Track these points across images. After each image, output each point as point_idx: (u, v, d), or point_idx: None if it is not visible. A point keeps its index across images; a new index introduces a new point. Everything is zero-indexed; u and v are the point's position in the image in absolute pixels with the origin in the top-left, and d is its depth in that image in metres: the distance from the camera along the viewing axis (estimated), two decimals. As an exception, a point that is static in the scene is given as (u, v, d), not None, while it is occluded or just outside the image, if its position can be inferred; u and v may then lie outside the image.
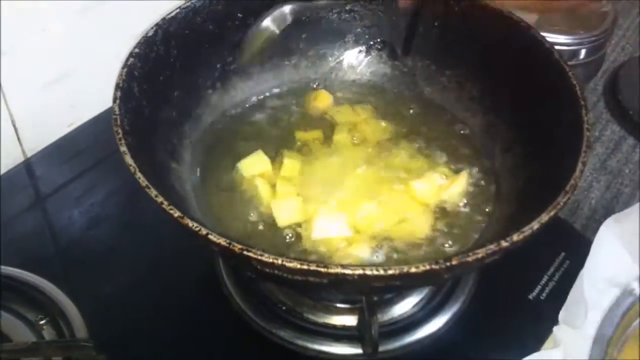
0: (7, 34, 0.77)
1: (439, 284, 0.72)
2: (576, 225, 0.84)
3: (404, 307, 0.71)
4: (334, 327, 0.70)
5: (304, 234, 0.67)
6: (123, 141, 0.58)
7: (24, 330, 0.67)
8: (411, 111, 0.80)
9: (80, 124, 0.92)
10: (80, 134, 0.92)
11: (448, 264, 0.50)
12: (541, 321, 0.70)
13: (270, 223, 0.68)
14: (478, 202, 0.70)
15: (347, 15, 0.81)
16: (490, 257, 0.51)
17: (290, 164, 0.72)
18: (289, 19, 0.75)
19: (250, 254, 0.50)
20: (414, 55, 0.81)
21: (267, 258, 0.50)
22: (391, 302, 0.71)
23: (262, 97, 0.81)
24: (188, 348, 0.69)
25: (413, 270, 0.50)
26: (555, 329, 0.69)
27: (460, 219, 0.69)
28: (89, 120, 0.93)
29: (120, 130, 0.59)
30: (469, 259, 0.50)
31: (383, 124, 0.78)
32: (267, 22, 0.74)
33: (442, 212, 0.70)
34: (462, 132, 0.77)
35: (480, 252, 0.51)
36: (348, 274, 0.49)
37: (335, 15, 0.81)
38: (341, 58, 0.83)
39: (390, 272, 0.49)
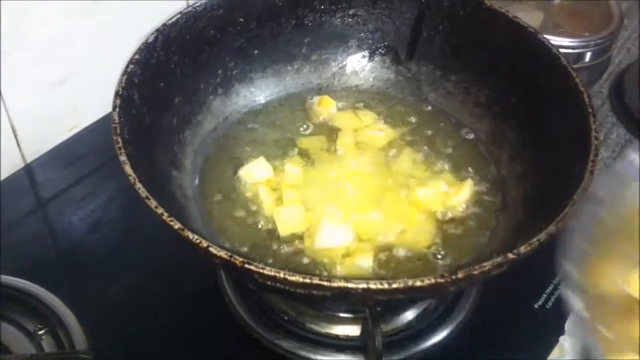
0: (8, 36, 0.76)
1: (444, 297, 0.71)
2: (582, 231, 0.83)
3: (408, 317, 0.70)
4: (337, 337, 0.69)
5: (307, 243, 0.66)
6: (123, 150, 0.57)
7: (23, 341, 0.67)
8: (415, 117, 0.79)
9: (80, 129, 0.91)
10: (80, 139, 0.91)
11: (454, 277, 0.49)
12: (547, 331, 0.69)
13: (272, 231, 0.68)
14: (484, 210, 0.69)
15: (350, 20, 0.80)
16: (497, 269, 0.51)
17: (293, 171, 0.71)
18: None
19: (252, 267, 0.50)
20: (418, 60, 0.80)
21: (268, 271, 0.49)
22: (395, 312, 0.70)
23: (264, 102, 0.80)
24: (189, 358, 0.68)
25: (418, 284, 0.49)
26: (561, 338, 0.68)
27: (465, 227, 0.68)
28: (90, 124, 0.92)
29: (119, 139, 0.58)
30: (475, 272, 0.50)
31: (387, 130, 0.77)
32: None
33: (447, 220, 0.69)
34: (467, 138, 0.76)
35: (487, 265, 0.50)
36: (352, 288, 0.49)
37: (339, 19, 0.80)
38: (344, 63, 0.83)
39: (394, 285, 0.49)
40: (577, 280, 0.50)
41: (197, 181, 0.71)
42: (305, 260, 0.65)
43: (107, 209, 0.83)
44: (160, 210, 0.53)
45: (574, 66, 0.66)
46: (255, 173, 0.72)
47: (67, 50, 0.83)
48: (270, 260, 0.64)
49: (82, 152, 0.89)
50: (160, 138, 0.68)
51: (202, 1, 0.72)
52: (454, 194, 0.70)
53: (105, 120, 0.90)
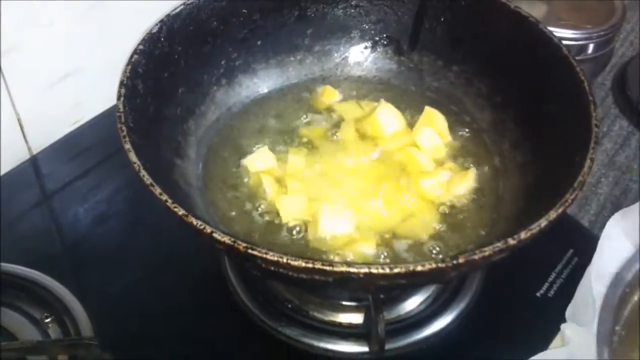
0: (13, 31, 0.76)
1: (446, 282, 0.71)
2: (584, 222, 0.84)
3: (411, 304, 0.71)
4: (340, 325, 0.70)
5: (309, 231, 0.67)
6: (127, 139, 0.58)
7: (29, 329, 0.67)
8: (417, 107, 0.79)
9: (86, 121, 0.92)
10: (86, 132, 0.91)
11: (455, 262, 0.49)
12: (549, 319, 0.69)
13: (275, 219, 0.68)
14: (485, 198, 0.70)
15: (352, 11, 0.80)
16: (498, 255, 0.51)
17: (295, 161, 0.72)
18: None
19: (255, 252, 0.50)
20: (420, 51, 0.80)
21: (272, 256, 0.50)
22: (398, 299, 0.71)
23: (267, 93, 0.81)
24: (194, 346, 0.68)
25: (419, 268, 0.49)
26: (563, 326, 0.68)
27: (467, 216, 0.68)
28: (95, 117, 0.92)
29: (124, 128, 0.59)
30: (476, 257, 0.50)
31: (389, 120, 0.77)
32: None
33: (448, 209, 0.69)
34: (469, 128, 0.76)
35: (487, 250, 0.50)
36: (354, 273, 0.49)
37: (341, 10, 0.80)
38: (347, 54, 0.83)
39: (396, 270, 0.49)
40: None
41: (200, 170, 0.71)
42: (308, 249, 0.65)
43: (112, 201, 0.83)
44: (164, 197, 0.54)
45: (577, 58, 0.66)
46: (258, 162, 0.72)
47: (71, 45, 0.84)
48: (273, 248, 0.65)
49: (87, 145, 0.89)
50: (164, 128, 0.68)
51: (205, -8, 0.73)
52: (456, 184, 0.70)
53: (109, 113, 0.90)
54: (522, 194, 0.67)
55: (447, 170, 0.72)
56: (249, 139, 0.76)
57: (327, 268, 0.49)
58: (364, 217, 0.67)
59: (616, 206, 0.86)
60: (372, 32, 0.82)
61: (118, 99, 0.61)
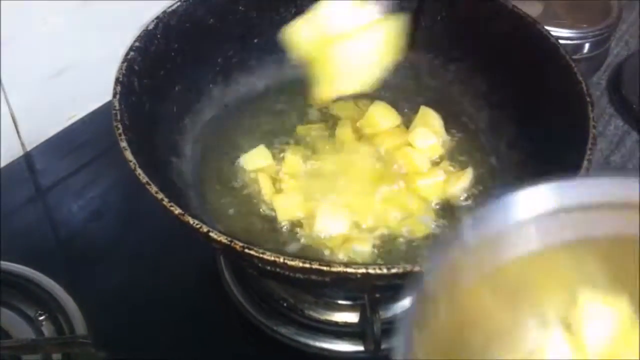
0: (7, 26, 0.76)
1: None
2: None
3: (406, 303, 0.71)
4: (336, 324, 0.69)
5: (306, 230, 0.67)
6: (123, 137, 0.58)
7: (23, 326, 0.67)
8: (414, 106, 0.79)
9: (80, 117, 0.91)
10: (80, 128, 0.90)
11: (452, 263, 0.49)
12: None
13: (272, 218, 0.68)
14: (482, 199, 0.70)
15: (350, 9, 0.80)
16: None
17: (292, 159, 0.72)
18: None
19: (252, 252, 0.50)
20: (418, 49, 0.80)
21: (268, 256, 0.50)
22: (393, 298, 0.71)
23: (264, 91, 0.80)
24: (189, 344, 0.68)
25: (417, 269, 0.49)
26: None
27: (463, 217, 0.68)
28: (89, 113, 0.92)
29: (120, 126, 0.59)
30: (473, 258, 0.50)
31: (386, 119, 0.77)
32: None
33: (445, 209, 0.69)
34: (466, 127, 0.76)
35: (485, 252, 0.50)
36: (351, 273, 0.49)
37: (339, 8, 0.80)
38: (344, 52, 0.82)
39: (393, 271, 0.49)
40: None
41: (197, 169, 0.71)
42: (304, 247, 0.65)
43: (107, 198, 0.83)
44: (160, 196, 0.53)
45: (573, 57, 0.66)
46: (254, 161, 0.72)
47: (66, 40, 0.83)
48: (269, 247, 0.65)
49: (81, 141, 0.89)
50: (160, 125, 0.68)
51: (202, -11, 0.72)
52: (453, 184, 0.70)
53: (104, 110, 0.89)
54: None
55: (444, 170, 0.71)
56: (245, 137, 0.75)
57: (324, 268, 0.49)
58: (360, 217, 0.67)
59: (611, 206, 0.86)
60: (369, 30, 0.82)
61: (114, 96, 0.61)
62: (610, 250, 0.40)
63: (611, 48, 1.07)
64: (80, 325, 0.67)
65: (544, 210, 0.40)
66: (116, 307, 0.71)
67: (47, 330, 0.67)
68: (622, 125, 0.97)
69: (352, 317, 0.69)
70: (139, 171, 0.55)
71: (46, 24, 0.80)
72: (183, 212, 0.52)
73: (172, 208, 0.53)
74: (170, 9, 0.70)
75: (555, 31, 0.91)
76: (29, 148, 0.87)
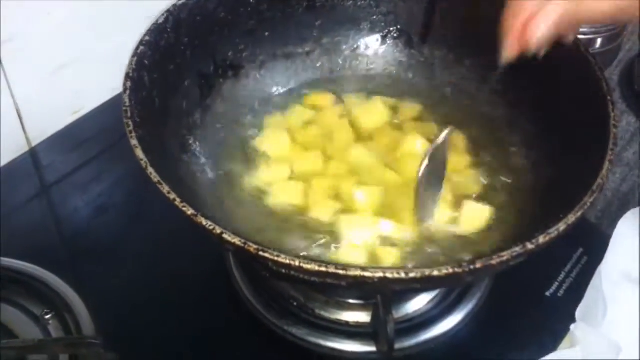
0: (11, 20, 0.75)
1: (460, 286, 0.70)
2: (590, 218, 0.83)
3: (419, 303, 0.70)
4: (347, 324, 0.68)
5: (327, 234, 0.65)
6: (134, 134, 0.56)
7: (29, 325, 0.66)
8: (429, 102, 0.78)
9: (85, 112, 0.90)
10: (85, 122, 0.90)
11: (472, 267, 0.48)
12: (558, 319, 0.69)
13: (285, 218, 0.67)
14: (498, 201, 0.68)
15: (362, 2, 0.79)
16: (515, 259, 0.50)
17: (305, 156, 0.71)
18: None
19: (267, 255, 0.49)
20: (432, 44, 0.79)
21: (283, 259, 0.49)
22: (405, 298, 0.70)
23: (274, 85, 0.79)
24: (198, 345, 0.67)
25: (435, 273, 0.48)
26: (572, 327, 0.67)
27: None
28: (95, 108, 0.91)
29: (130, 123, 0.57)
30: (493, 262, 0.49)
31: (399, 115, 0.76)
32: None
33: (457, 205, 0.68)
34: (482, 125, 0.75)
35: (505, 255, 0.49)
36: (368, 277, 0.48)
37: (351, 1, 0.79)
38: (356, 46, 0.81)
39: (411, 275, 0.48)
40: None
41: (207, 165, 0.70)
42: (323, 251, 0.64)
43: (113, 193, 0.82)
44: (172, 196, 0.52)
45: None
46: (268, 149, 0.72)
47: (70, 34, 0.83)
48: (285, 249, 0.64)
49: (86, 137, 0.88)
50: (170, 121, 0.67)
51: (212, -18, 0.71)
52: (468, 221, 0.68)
53: (109, 104, 0.89)
54: (535, 194, 0.66)
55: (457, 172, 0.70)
56: (256, 132, 0.74)
57: (341, 272, 0.48)
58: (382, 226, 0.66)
59: (623, 203, 0.85)
60: (383, 24, 0.80)
61: (124, 92, 0.60)
62: None
63: (623, 43, 1.06)
64: (87, 323, 0.66)
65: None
66: (123, 306, 0.70)
67: (54, 328, 0.66)
68: (635, 121, 0.96)
69: (364, 317, 0.68)
70: (150, 170, 0.54)
71: (50, 18, 0.79)
72: (196, 213, 0.51)
73: (184, 209, 0.52)
74: (180, 2, 0.68)
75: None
76: (34, 144, 0.87)
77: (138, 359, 0.66)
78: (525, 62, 0.70)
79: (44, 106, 0.85)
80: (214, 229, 0.50)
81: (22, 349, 0.62)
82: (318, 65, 0.81)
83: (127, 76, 0.61)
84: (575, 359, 0.65)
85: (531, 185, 0.67)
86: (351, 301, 0.69)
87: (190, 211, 0.51)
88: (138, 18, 0.67)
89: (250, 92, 0.77)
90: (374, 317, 0.67)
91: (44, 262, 0.71)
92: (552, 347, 0.67)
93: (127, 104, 0.59)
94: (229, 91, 0.76)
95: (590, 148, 0.58)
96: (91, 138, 0.87)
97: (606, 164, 0.55)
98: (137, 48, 0.63)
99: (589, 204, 0.53)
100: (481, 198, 0.69)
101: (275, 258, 0.49)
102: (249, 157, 0.72)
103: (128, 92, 0.60)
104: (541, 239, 0.50)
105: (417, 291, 0.67)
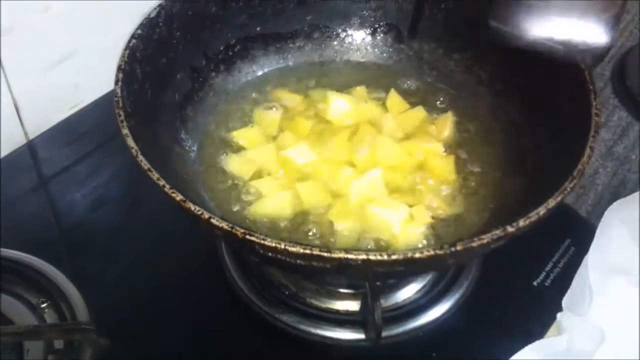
0: (9, 14, 0.76)
1: (443, 270, 0.71)
2: (581, 212, 0.83)
3: (408, 292, 0.71)
4: (337, 312, 0.70)
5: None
6: (125, 123, 0.57)
7: (25, 313, 0.67)
8: (417, 95, 0.79)
9: (83, 106, 0.91)
10: (83, 116, 0.91)
11: (453, 249, 0.49)
12: (545, 308, 0.70)
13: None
14: (484, 189, 0.70)
15: (353, -3, 0.80)
16: (496, 242, 0.51)
17: (294, 153, 0.71)
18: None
19: (253, 239, 0.50)
20: (421, 38, 0.80)
21: (269, 242, 0.50)
22: (395, 287, 0.71)
23: (266, 79, 0.80)
24: (191, 332, 0.69)
25: (417, 255, 0.49)
26: (559, 315, 0.68)
27: (464, 208, 0.68)
28: (92, 102, 0.92)
29: (122, 113, 0.58)
30: (474, 244, 0.50)
31: (389, 110, 0.77)
32: None
33: (447, 198, 0.69)
34: (468, 116, 0.76)
35: (486, 238, 0.50)
36: (351, 259, 0.49)
37: (342, -4, 0.80)
38: (346, 41, 0.83)
39: (394, 257, 0.49)
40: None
41: (199, 157, 0.71)
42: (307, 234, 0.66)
43: (110, 186, 0.83)
44: (162, 182, 0.53)
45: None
46: (255, 155, 0.72)
47: (68, 28, 0.83)
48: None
49: (84, 130, 0.89)
50: (162, 113, 0.68)
51: (204, -23, 0.72)
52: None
53: (107, 98, 0.90)
54: (521, 181, 0.67)
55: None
56: (247, 126, 0.75)
57: (325, 254, 0.49)
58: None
59: (614, 196, 0.85)
60: (372, 19, 0.82)
61: (116, 83, 0.61)
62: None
63: (615, 39, 1.06)
64: (82, 312, 0.67)
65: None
66: (119, 295, 0.71)
67: (49, 317, 0.68)
68: (626, 116, 0.97)
69: (353, 306, 0.70)
70: (140, 157, 0.55)
71: (48, 12, 0.80)
72: (184, 199, 0.52)
73: (173, 194, 0.53)
74: (172, -3, 0.69)
75: (559, 21, 0.91)
76: (31, 137, 0.88)
77: (131, 346, 0.67)
78: (512, 55, 0.71)
79: (42, 99, 0.85)
80: (202, 214, 0.51)
81: (18, 334, 0.64)
82: (309, 59, 0.82)
83: (119, 68, 0.62)
84: (561, 346, 0.66)
85: (517, 172, 0.68)
86: (341, 290, 0.70)
87: (179, 197, 0.52)
88: (136, 13, 0.68)
89: (241, 85, 0.79)
90: (362, 306, 0.68)
91: (41, 253, 0.72)
92: (539, 335, 0.68)
93: (119, 94, 0.60)
94: (221, 85, 0.77)
95: (573, 136, 0.59)
96: (89, 132, 0.88)
97: (587, 151, 0.56)
98: (130, 41, 0.64)
99: (569, 189, 0.54)
100: (464, 185, 0.70)
101: (262, 241, 0.50)
102: (237, 151, 0.73)
103: (120, 83, 0.61)
104: (521, 223, 0.51)
105: (402, 275, 0.68)
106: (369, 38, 0.82)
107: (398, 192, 0.69)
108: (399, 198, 0.68)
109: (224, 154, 0.72)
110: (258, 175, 0.70)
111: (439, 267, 0.65)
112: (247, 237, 0.50)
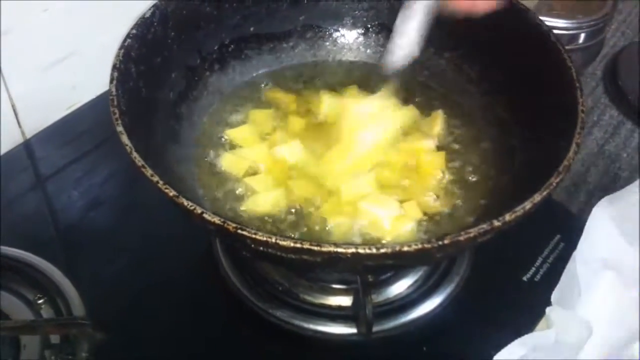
0: (7, 14, 0.76)
1: (432, 263, 0.72)
2: (573, 209, 0.84)
3: (399, 287, 0.72)
4: (330, 307, 0.71)
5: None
6: (119, 121, 0.58)
7: (22, 309, 0.68)
8: (408, 92, 0.79)
9: (80, 106, 0.92)
10: (80, 116, 0.91)
11: (440, 243, 0.50)
12: (535, 302, 0.71)
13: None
14: (473, 185, 0.70)
15: (345, -2, 0.81)
16: (483, 236, 0.52)
17: (286, 151, 0.72)
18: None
19: (245, 233, 0.51)
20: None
21: (261, 237, 0.50)
22: (386, 282, 0.72)
23: (259, 79, 0.81)
24: (185, 328, 0.69)
25: (406, 249, 0.50)
26: (548, 309, 0.69)
27: (453, 205, 0.69)
28: (89, 102, 0.93)
29: (117, 111, 0.59)
30: (461, 238, 0.51)
31: (378, 110, 0.77)
32: None
33: (437, 195, 0.70)
34: (459, 113, 0.77)
35: (473, 232, 0.51)
36: (341, 253, 0.50)
37: (334, -4, 0.81)
38: (339, 40, 0.84)
39: (382, 250, 0.50)
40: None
41: (193, 155, 0.72)
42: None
43: (106, 186, 0.84)
44: (155, 178, 0.54)
45: (568, 48, 0.67)
46: (249, 153, 0.73)
47: (66, 29, 0.84)
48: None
49: (81, 130, 0.90)
50: (157, 112, 0.69)
51: (198, -22, 0.73)
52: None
53: (104, 98, 0.88)
54: (510, 178, 0.68)
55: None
56: (241, 125, 0.76)
57: (315, 248, 0.50)
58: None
59: (605, 194, 0.86)
60: (364, 19, 0.83)
61: (111, 82, 0.62)
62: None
63: (607, 39, 1.07)
64: (78, 308, 0.68)
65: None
66: (115, 292, 0.72)
67: (46, 313, 0.68)
68: (617, 115, 0.98)
69: (345, 301, 0.70)
70: (134, 155, 0.55)
71: (46, 13, 0.81)
72: (177, 194, 0.53)
73: (167, 190, 0.53)
74: (167, -3, 0.70)
75: (551, 21, 0.93)
76: (28, 136, 0.88)
77: (127, 341, 0.67)
78: (500, 53, 0.72)
79: (39, 99, 0.86)
80: (194, 209, 0.52)
81: (15, 329, 0.64)
82: (302, 59, 0.83)
83: (115, 67, 0.63)
84: (550, 340, 0.67)
85: (506, 169, 0.69)
86: (334, 286, 0.71)
87: (172, 192, 0.53)
88: (133, 13, 0.69)
89: (235, 85, 0.79)
90: (354, 301, 0.69)
91: (39, 251, 0.73)
92: (529, 329, 0.69)
93: (114, 93, 0.61)
94: (215, 84, 0.78)
95: (560, 132, 0.60)
96: (86, 131, 0.89)
97: (572, 147, 0.57)
98: (125, 41, 0.65)
99: (554, 184, 0.55)
100: (455, 181, 0.71)
101: (253, 235, 0.51)
102: (231, 149, 0.73)
103: (115, 82, 0.62)
104: (507, 217, 0.52)
105: (393, 269, 0.69)
106: (361, 38, 0.84)
107: (390, 188, 0.69)
108: (391, 194, 0.69)
109: (219, 152, 0.73)
110: (252, 172, 0.71)
111: (428, 261, 0.66)
112: (239, 231, 0.51)
